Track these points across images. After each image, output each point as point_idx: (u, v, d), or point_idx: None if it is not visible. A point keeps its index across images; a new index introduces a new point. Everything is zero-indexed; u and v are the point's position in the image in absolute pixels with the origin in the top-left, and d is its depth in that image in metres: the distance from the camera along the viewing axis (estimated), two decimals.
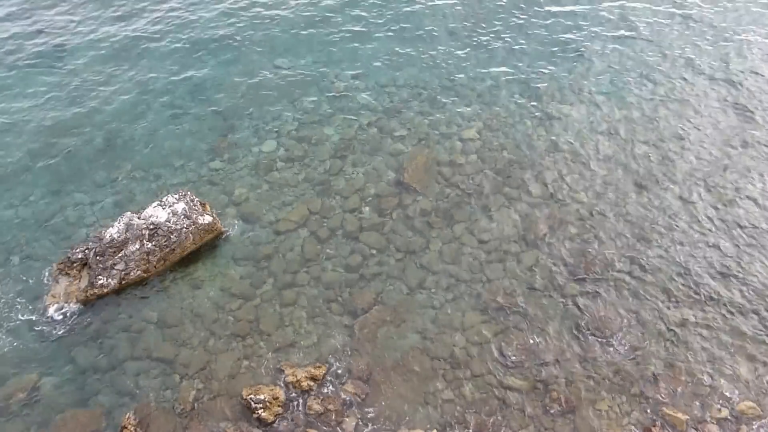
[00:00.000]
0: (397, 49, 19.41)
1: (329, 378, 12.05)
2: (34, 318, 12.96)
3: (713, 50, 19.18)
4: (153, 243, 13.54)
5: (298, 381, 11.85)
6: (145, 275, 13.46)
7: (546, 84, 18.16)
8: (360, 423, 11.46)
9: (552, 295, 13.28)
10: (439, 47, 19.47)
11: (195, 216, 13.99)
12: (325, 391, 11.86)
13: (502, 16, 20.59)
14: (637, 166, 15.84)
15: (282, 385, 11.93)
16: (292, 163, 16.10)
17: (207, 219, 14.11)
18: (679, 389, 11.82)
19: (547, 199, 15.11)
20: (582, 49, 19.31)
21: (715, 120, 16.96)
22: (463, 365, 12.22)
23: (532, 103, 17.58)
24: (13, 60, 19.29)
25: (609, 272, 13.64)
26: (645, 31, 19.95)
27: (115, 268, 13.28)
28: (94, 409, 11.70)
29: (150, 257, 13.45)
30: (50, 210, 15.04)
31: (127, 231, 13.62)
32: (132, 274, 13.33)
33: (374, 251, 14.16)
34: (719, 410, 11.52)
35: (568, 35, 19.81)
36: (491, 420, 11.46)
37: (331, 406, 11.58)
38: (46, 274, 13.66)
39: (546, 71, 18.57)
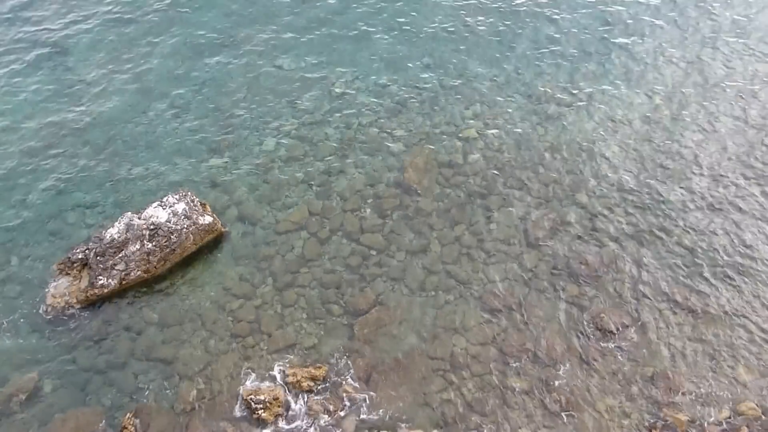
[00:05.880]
0: (397, 49, 19.40)
1: (329, 378, 12.06)
2: (34, 318, 12.98)
3: (712, 51, 19.15)
4: (153, 243, 13.54)
5: (298, 381, 11.86)
6: (145, 275, 13.46)
7: (546, 84, 18.14)
8: (360, 423, 11.46)
9: (552, 296, 13.28)
10: (439, 47, 19.46)
11: (195, 216, 13.99)
12: (325, 391, 11.87)
13: (503, 16, 20.57)
14: (637, 167, 15.83)
15: (282, 385, 11.94)
16: (292, 163, 16.10)
17: (207, 219, 14.12)
18: (679, 389, 11.82)
19: (547, 199, 15.11)
20: (582, 49, 19.29)
21: (722, 115, 16.96)
22: (463, 365, 12.23)
23: (533, 103, 17.56)
24: (14, 60, 19.29)
25: (609, 273, 13.65)
26: (644, 33, 19.92)
27: (116, 268, 13.28)
28: (95, 409, 11.73)
29: (150, 257, 13.45)
30: (50, 210, 15.04)
31: (127, 231, 13.62)
32: (132, 274, 13.33)
33: (374, 252, 14.16)
34: (720, 411, 11.53)
35: (568, 36, 19.80)
36: (491, 420, 11.47)
37: (331, 406, 11.59)
38: (47, 274, 13.67)
39: (546, 71, 18.56)
